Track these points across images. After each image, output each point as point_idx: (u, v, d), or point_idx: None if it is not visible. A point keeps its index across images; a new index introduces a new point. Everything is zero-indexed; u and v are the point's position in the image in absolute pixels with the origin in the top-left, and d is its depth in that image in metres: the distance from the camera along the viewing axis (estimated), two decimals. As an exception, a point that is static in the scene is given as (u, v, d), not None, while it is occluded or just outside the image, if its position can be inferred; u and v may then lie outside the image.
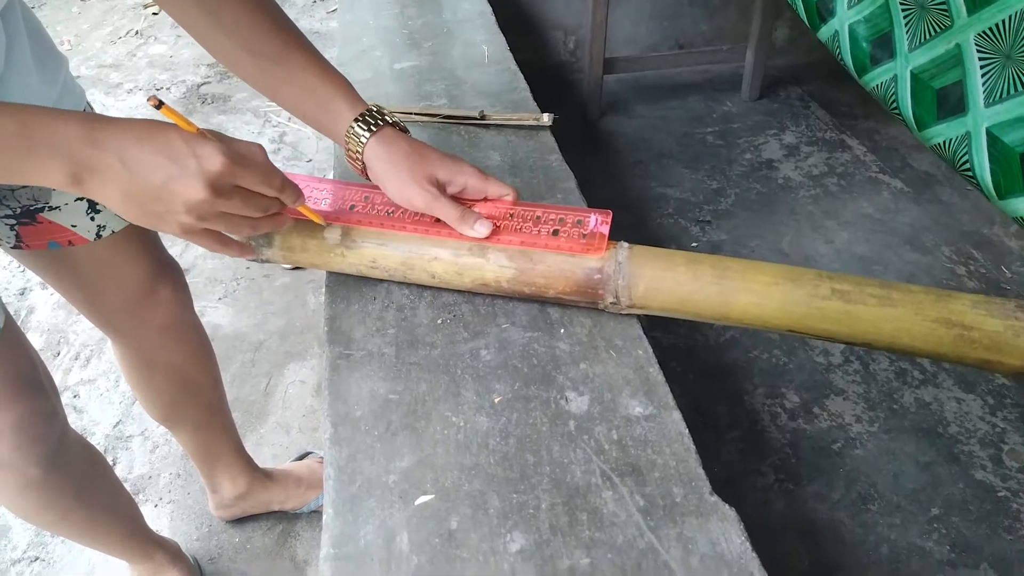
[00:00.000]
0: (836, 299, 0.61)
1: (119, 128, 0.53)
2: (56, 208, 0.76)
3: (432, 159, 0.69)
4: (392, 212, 0.71)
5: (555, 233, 0.68)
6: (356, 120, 0.69)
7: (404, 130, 0.72)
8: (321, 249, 0.69)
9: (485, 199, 0.71)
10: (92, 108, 0.82)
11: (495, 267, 0.67)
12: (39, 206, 0.75)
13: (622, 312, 0.68)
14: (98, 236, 0.81)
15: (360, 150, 0.69)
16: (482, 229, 0.67)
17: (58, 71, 0.75)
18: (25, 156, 0.51)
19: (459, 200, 0.70)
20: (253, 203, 0.58)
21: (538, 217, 0.69)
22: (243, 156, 0.56)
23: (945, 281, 1.60)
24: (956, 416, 1.33)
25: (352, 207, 0.72)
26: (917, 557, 1.13)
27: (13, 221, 0.76)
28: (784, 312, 0.62)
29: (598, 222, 0.68)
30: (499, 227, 0.69)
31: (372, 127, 0.68)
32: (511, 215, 0.70)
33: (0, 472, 0.82)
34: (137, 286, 0.90)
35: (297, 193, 0.61)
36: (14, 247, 0.79)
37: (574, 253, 0.66)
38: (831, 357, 1.45)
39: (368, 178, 0.72)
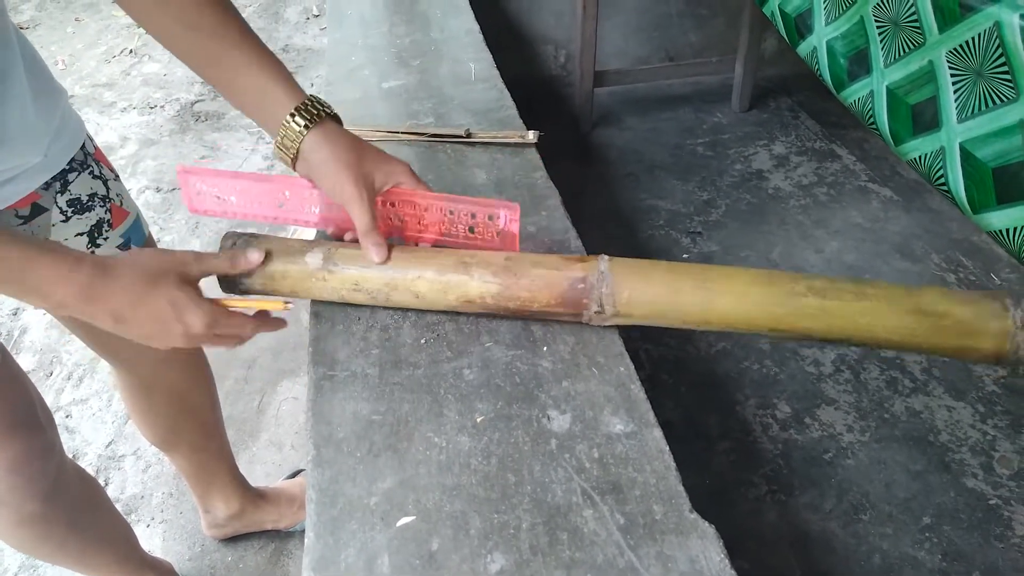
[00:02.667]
0: (812, 296, 0.63)
1: (114, 291, 0.58)
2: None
3: (369, 158, 0.70)
4: (316, 209, 0.75)
5: (471, 230, 0.72)
6: (297, 110, 0.67)
7: (339, 121, 0.72)
8: (302, 275, 0.69)
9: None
10: (91, 138, 0.82)
11: (479, 283, 0.68)
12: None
13: (606, 323, 0.68)
14: None
15: (297, 142, 0.68)
16: (376, 255, 0.68)
17: (56, 103, 0.75)
18: (19, 295, 0.56)
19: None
20: (230, 340, 0.66)
21: (451, 212, 0.72)
22: (224, 322, 0.63)
23: (935, 289, 1.61)
24: (947, 424, 1.33)
25: (281, 205, 0.77)
26: (909, 567, 1.13)
27: None
28: (763, 312, 0.64)
29: (507, 220, 0.71)
30: (424, 220, 0.73)
31: (314, 118, 0.68)
32: (426, 209, 0.73)
33: None
34: None
35: (274, 325, 0.69)
36: None
37: (493, 250, 0.71)
38: (822, 367, 1.46)
39: (295, 169, 0.71)
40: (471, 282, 0.68)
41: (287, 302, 0.69)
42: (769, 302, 0.64)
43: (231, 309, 0.65)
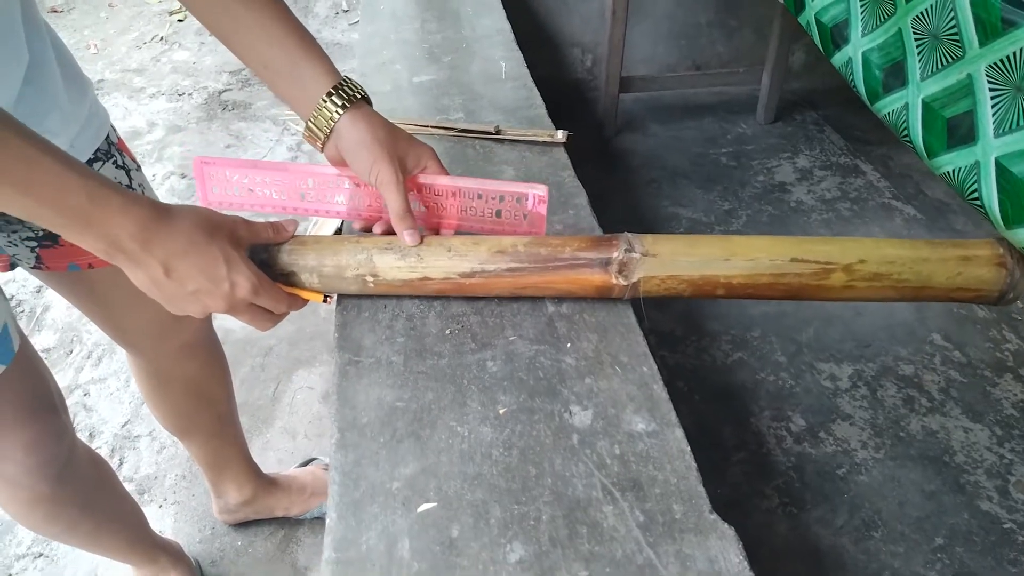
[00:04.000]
0: (824, 240, 0.69)
1: (172, 235, 0.57)
2: None
3: (403, 142, 0.70)
4: (341, 199, 0.74)
5: (498, 214, 0.72)
6: (331, 91, 0.67)
7: (370, 103, 0.71)
8: (334, 244, 0.69)
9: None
10: (115, 129, 0.82)
11: (511, 237, 0.70)
12: None
13: (634, 272, 0.67)
14: None
15: (331, 123, 0.67)
16: (409, 239, 0.69)
17: (85, 93, 0.76)
18: (76, 228, 0.54)
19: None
20: (263, 316, 0.65)
21: (479, 195, 0.73)
22: (266, 290, 0.63)
23: (956, 310, 1.60)
24: (963, 446, 1.32)
25: (303, 196, 0.75)
26: (920, 586, 1.12)
27: (35, 243, 0.76)
28: (782, 246, 0.68)
29: (536, 200, 0.72)
30: (444, 208, 0.73)
31: (349, 100, 0.67)
32: (454, 194, 0.73)
33: (9, 488, 0.83)
34: (163, 309, 0.90)
35: (303, 304, 0.69)
36: (34, 267, 0.79)
37: (517, 235, 0.71)
38: (838, 382, 1.45)
39: (323, 151, 0.71)
40: (503, 237, 0.70)
41: (327, 296, 0.69)
42: (786, 240, 0.69)
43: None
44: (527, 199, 0.72)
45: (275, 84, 0.70)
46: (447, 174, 0.73)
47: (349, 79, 0.69)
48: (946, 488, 1.25)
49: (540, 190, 0.72)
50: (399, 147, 0.69)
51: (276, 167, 0.75)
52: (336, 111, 0.67)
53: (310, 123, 0.69)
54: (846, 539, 1.19)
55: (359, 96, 0.68)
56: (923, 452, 1.31)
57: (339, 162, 0.72)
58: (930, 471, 1.28)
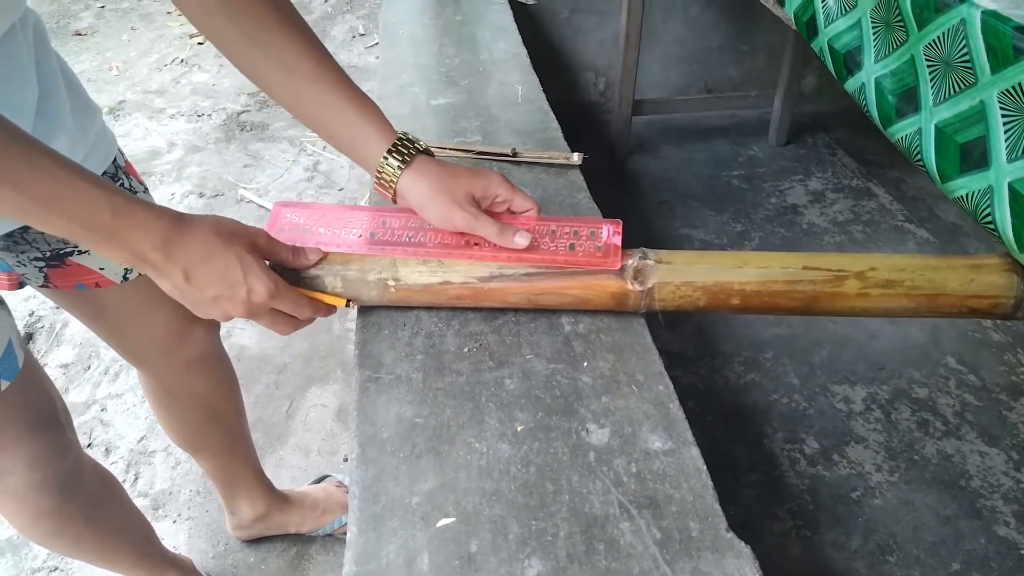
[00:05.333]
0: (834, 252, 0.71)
1: (191, 243, 0.59)
2: (85, 252, 0.78)
3: (464, 178, 0.71)
4: (412, 237, 0.73)
5: (571, 247, 0.72)
6: (389, 151, 0.70)
7: (430, 153, 0.74)
8: (359, 258, 0.71)
9: (510, 210, 0.74)
10: (122, 153, 0.84)
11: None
12: (68, 250, 0.77)
13: (648, 278, 0.68)
14: (125, 279, 0.83)
15: (394, 180, 0.70)
16: (522, 241, 0.70)
17: (93, 120, 0.78)
18: (103, 242, 0.56)
19: (492, 214, 0.73)
20: (284, 321, 0.67)
21: (553, 231, 0.73)
22: (284, 295, 0.64)
23: (970, 333, 1.59)
24: (979, 470, 1.31)
25: (372, 235, 0.74)
26: (936, 612, 1.11)
27: (42, 263, 0.78)
28: (796, 258, 0.69)
29: (611, 233, 0.72)
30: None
31: (406, 157, 0.70)
32: (528, 231, 0.73)
33: (13, 503, 0.84)
34: (168, 326, 0.92)
35: (327, 311, 0.70)
36: (42, 287, 0.81)
37: (592, 267, 0.70)
38: (852, 404, 1.45)
39: (395, 203, 0.73)
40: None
41: (349, 301, 0.71)
42: (797, 253, 0.70)
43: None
44: (602, 231, 0.73)
45: (338, 147, 0.73)
46: (522, 194, 0.73)
47: (405, 135, 0.72)
48: (962, 513, 1.25)
49: (615, 223, 0.73)
50: (463, 186, 0.71)
51: (359, 211, 0.77)
52: (395, 171, 0.70)
53: (376, 181, 0.72)
54: (860, 563, 1.18)
55: (417, 150, 0.71)
56: (938, 476, 1.31)
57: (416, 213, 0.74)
58: (946, 495, 1.27)
